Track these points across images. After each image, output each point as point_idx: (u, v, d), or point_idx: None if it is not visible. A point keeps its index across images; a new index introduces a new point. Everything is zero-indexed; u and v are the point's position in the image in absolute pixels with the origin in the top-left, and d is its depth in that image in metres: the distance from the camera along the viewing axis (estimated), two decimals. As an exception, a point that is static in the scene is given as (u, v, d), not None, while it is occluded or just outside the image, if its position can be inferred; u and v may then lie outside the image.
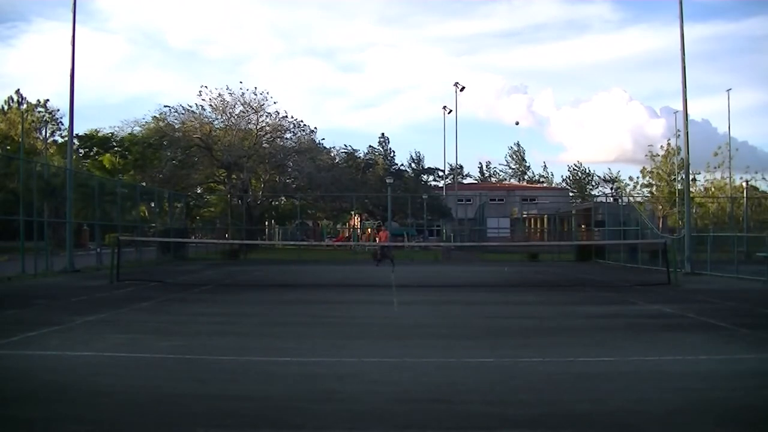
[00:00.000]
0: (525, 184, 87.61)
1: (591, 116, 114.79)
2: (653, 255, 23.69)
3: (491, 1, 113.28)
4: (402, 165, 65.61)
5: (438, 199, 52.00)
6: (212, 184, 47.25)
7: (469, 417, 4.87)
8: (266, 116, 44.05)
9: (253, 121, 44.12)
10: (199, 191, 47.90)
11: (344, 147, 56.90)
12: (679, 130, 35.19)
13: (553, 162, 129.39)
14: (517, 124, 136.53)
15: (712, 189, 42.28)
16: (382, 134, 70.15)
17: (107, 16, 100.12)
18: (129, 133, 43.25)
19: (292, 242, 40.97)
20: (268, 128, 44.65)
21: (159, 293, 14.24)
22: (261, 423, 4.71)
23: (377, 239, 29.84)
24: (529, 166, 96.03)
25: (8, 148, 41.19)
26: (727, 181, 40.06)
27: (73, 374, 6.24)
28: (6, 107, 52.58)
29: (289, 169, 46.94)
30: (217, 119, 43.94)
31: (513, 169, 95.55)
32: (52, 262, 19.58)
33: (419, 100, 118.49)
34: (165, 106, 43.87)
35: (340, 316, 11.08)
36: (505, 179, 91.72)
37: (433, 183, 65.34)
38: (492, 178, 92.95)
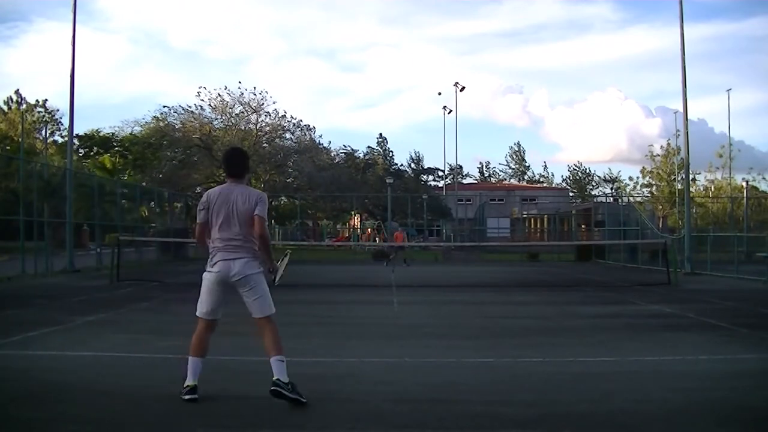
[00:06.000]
0: (525, 184, 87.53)
1: (586, 116, 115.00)
2: (653, 255, 23.69)
3: (492, 1, 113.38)
4: (402, 165, 65.66)
5: (438, 199, 51.96)
6: (212, 184, 47.13)
7: (468, 417, 4.87)
8: (265, 116, 44.12)
9: (253, 121, 44.16)
10: (198, 191, 47.87)
11: (344, 147, 56.98)
12: (678, 130, 35.30)
13: (549, 162, 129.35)
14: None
15: (712, 188, 42.37)
16: (380, 134, 70.35)
17: (108, 16, 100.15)
18: (129, 133, 43.28)
19: (292, 242, 40.92)
20: (267, 128, 44.68)
21: (159, 293, 14.24)
22: (261, 423, 4.71)
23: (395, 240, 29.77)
24: (528, 166, 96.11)
25: (8, 148, 41.17)
26: (728, 181, 40.15)
27: (73, 374, 6.24)
28: (6, 107, 52.55)
29: (289, 169, 46.93)
30: (217, 119, 43.99)
31: (513, 169, 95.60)
32: (52, 262, 19.55)
33: (419, 100, 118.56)
34: (164, 107, 43.94)
35: (340, 316, 11.08)
36: (505, 179, 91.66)
37: (432, 183, 65.38)
38: (492, 178, 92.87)
